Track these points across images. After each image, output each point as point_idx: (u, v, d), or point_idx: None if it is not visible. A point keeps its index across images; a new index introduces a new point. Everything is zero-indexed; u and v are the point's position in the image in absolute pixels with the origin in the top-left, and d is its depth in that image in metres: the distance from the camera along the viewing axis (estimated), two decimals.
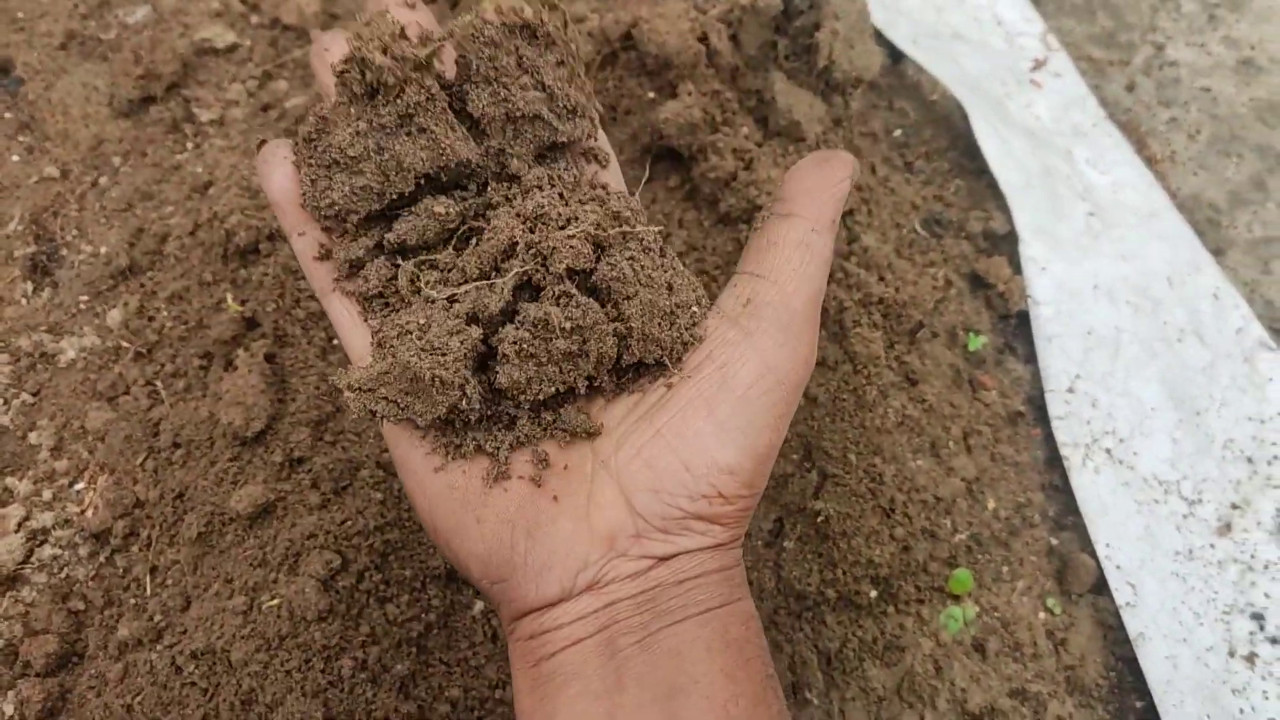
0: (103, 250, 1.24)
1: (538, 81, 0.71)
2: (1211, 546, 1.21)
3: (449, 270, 0.72)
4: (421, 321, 0.68)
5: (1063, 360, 1.28)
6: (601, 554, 0.68)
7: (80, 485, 1.13)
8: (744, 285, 0.74)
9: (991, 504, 1.19)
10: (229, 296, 1.17)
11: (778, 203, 0.75)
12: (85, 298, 1.21)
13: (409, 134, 0.69)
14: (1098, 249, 1.35)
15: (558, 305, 0.68)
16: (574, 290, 0.68)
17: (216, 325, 1.15)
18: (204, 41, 1.39)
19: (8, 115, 1.36)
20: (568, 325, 0.67)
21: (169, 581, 1.07)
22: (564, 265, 0.68)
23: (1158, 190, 1.43)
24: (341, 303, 0.75)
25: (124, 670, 1.02)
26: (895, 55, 1.44)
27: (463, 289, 0.69)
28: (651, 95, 1.27)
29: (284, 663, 0.99)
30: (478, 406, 0.69)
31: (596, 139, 0.79)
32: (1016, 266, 1.31)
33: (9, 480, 1.12)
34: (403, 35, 0.69)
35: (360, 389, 0.68)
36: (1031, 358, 1.29)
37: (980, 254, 1.33)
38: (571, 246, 0.68)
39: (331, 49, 0.75)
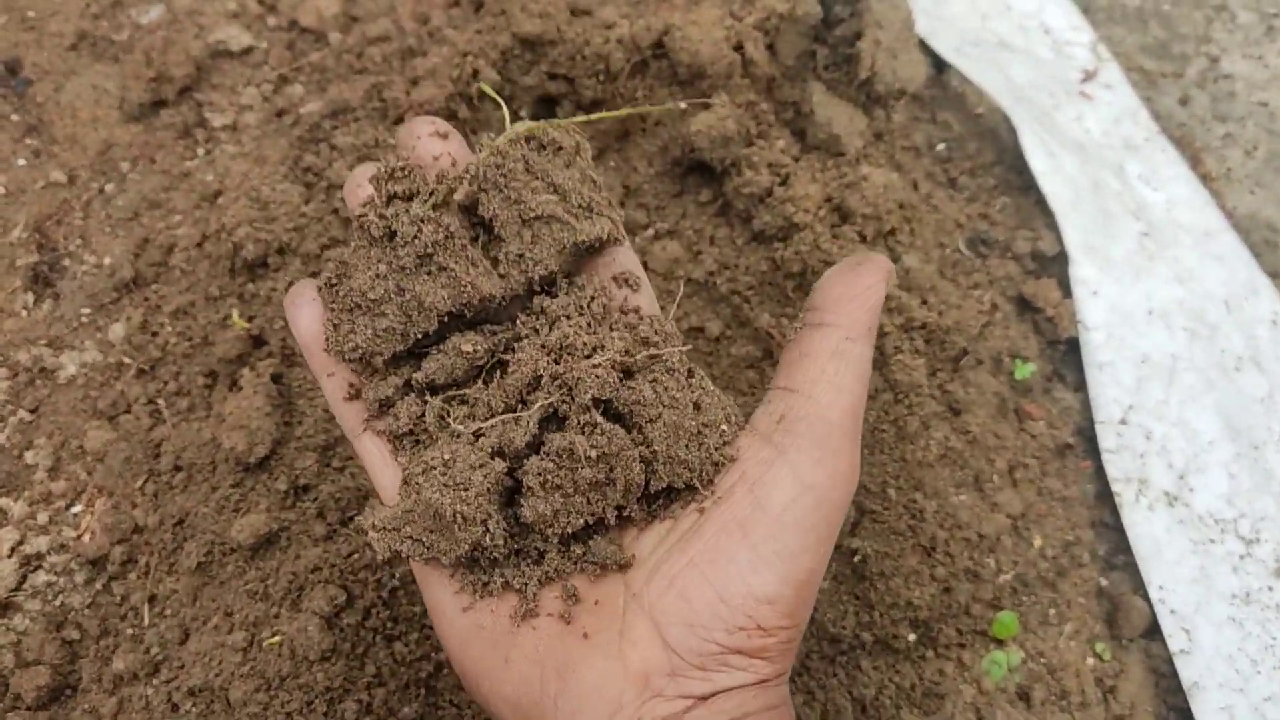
0: (106, 261, 1.19)
1: (548, 183, 0.70)
2: (1270, 589, 1.14)
3: (476, 405, 0.71)
4: (446, 457, 0.67)
5: (1115, 389, 1.21)
6: (636, 695, 0.64)
7: (78, 508, 1.08)
8: (777, 401, 0.71)
9: (1038, 542, 1.13)
10: (235, 312, 1.12)
11: (809, 312, 0.73)
12: (87, 310, 1.16)
13: (429, 273, 0.69)
14: (1152, 270, 1.28)
15: (583, 434, 0.66)
16: (599, 418, 0.67)
17: (222, 342, 1.10)
18: (218, 43, 1.34)
19: (15, 117, 1.32)
20: (593, 453, 0.66)
21: (167, 612, 1.02)
22: (589, 395, 0.66)
23: (1213, 208, 1.36)
24: (373, 442, 0.74)
25: (118, 705, 0.97)
26: (939, 65, 1.37)
27: (489, 423, 0.68)
28: (684, 105, 1.21)
29: (284, 704, 0.94)
30: (503, 542, 0.68)
31: (620, 242, 0.76)
32: (1066, 289, 1.24)
33: (4, 501, 1.08)
34: (420, 174, 0.71)
35: (385, 528, 0.67)
36: (1081, 386, 1.22)
37: (1028, 275, 1.26)
38: (597, 376, 0.67)
39: (363, 185, 0.74)
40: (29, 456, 1.10)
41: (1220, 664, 1.10)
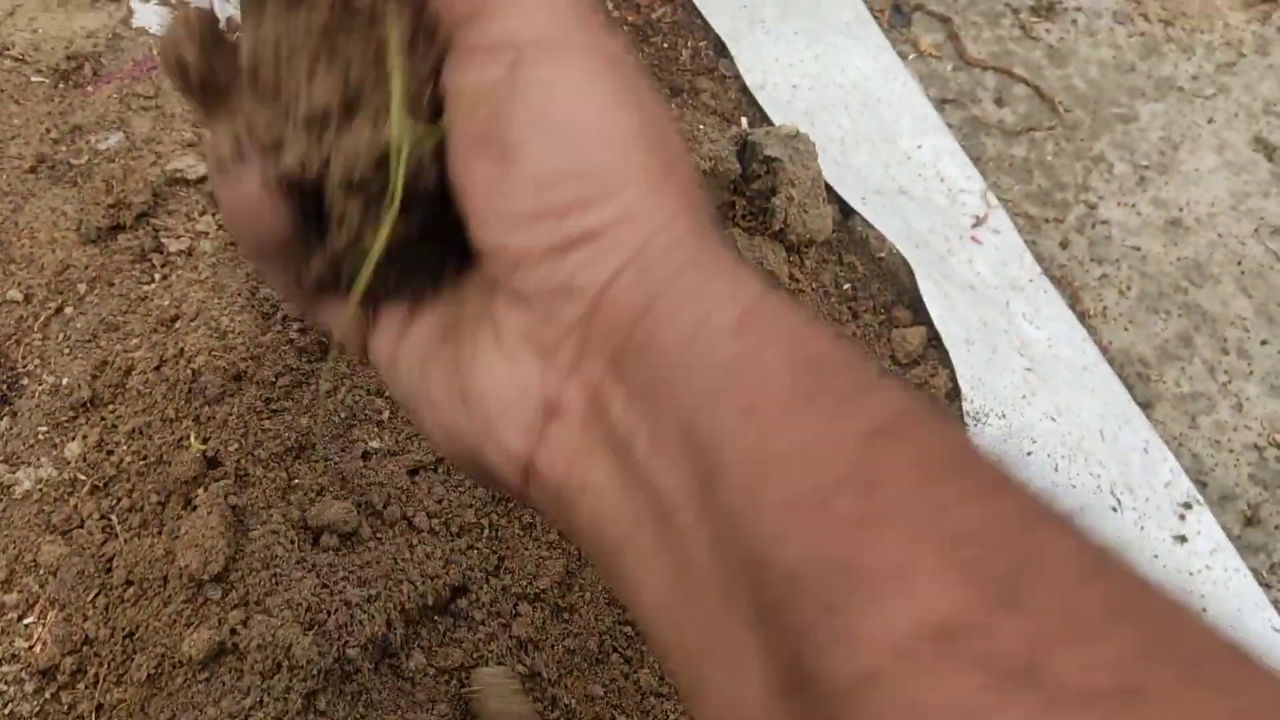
0: (65, 381, 1.24)
1: None
2: None
3: None
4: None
5: None
6: (530, 374, 0.49)
7: (30, 619, 1.12)
8: None
9: None
10: (192, 435, 1.18)
11: None
12: (44, 428, 1.22)
13: None
14: (1034, 403, 1.41)
15: None
16: None
17: (177, 463, 1.16)
18: (175, 171, 1.42)
19: None
20: None
21: None
22: None
23: (1090, 344, 1.50)
24: None
25: None
26: (846, 211, 1.50)
27: None
28: None
29: None
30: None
31: None
32: (959, 420, 1.36)
33: None
34: None
35: None
36: None
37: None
38: None
39: None
40: None
41: None
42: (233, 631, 1.08)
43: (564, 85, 0.48)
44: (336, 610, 1.09)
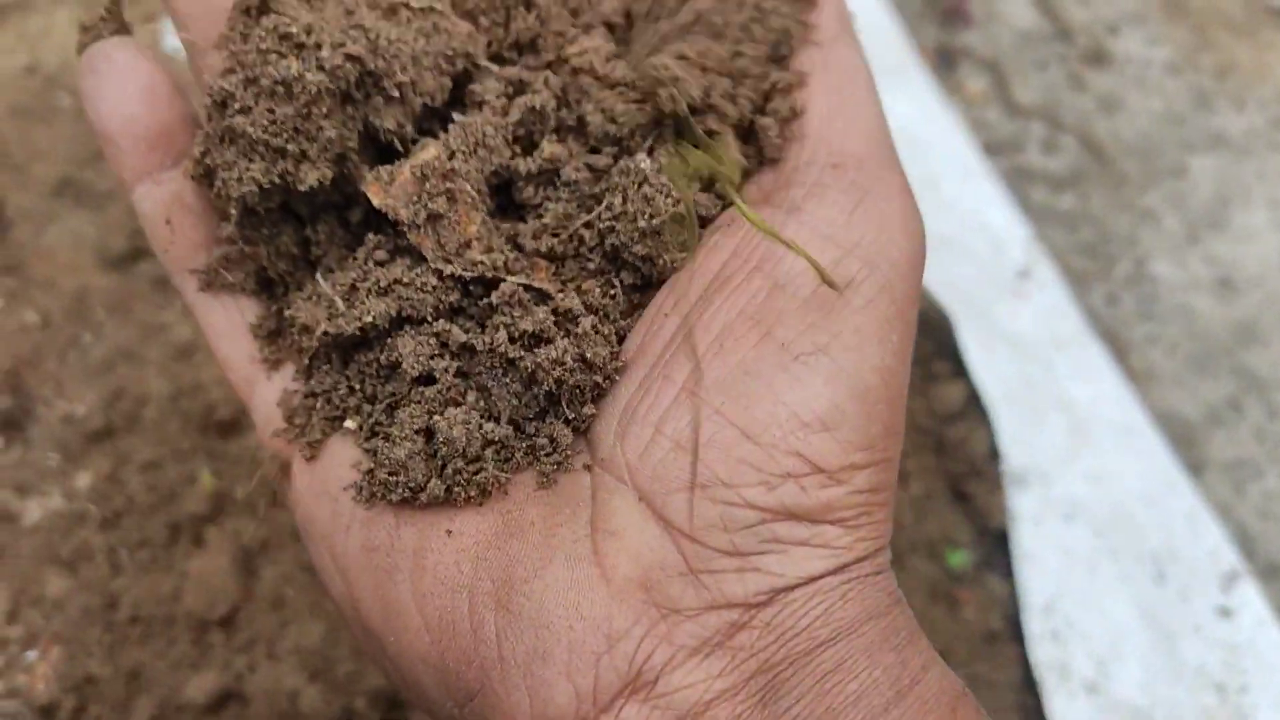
0: (79, 410, 1.22)
1: None
2: None
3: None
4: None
5: (1040, 579, 1.27)
6: (633, 616, 0.39)
7: (33, 654, 1.09)
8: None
9: None
10: (205, 471, 1.15)
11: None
12: (56, 458, 1.19)
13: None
14: (1076, 466, 1.36)
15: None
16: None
17: (189, 499, 1.13)
18: None
19: None
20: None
21: None
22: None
23: (1135, 405, 1.45)
24: (219, 304, 0.56)
25: None
26: None
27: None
28: None
29: None
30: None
31: None
32: (997, 481, 1.31)
33: None
34: None
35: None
36: (1010, 573, 1.28)
37: (961, 464, 1.34)
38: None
39: None
40: None
41: None
42: (238, 677, 1.04)
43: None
44: (345, 659, 1.05)
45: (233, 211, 0.52)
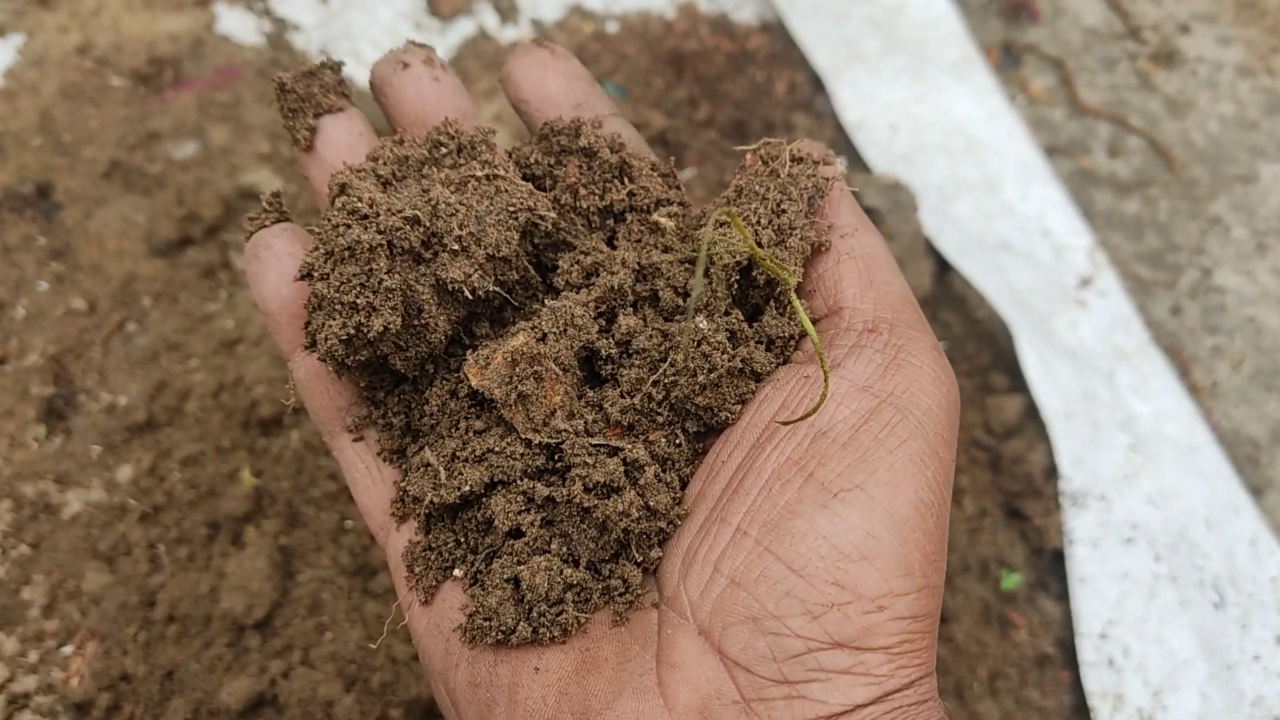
0: (122, 401, 1.20)
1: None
2: None
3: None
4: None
5: (1096, 603, 1.23)
6: None
7: (68, 650, 1.08)
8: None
9: None
10: (246, 469, 1.14)
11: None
12: (98, 449, 1.18)
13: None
14: (1137, 485, 1.31)
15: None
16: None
17: (229, 496, 1.11)
18: (249, 186, 1.38)
19: (41, 240, 1.34)
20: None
21: None
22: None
23: (1199, 422, 1.40)
24: (355, 450, 0.66)
25: None
26: (943, 265, 1.42)
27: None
28: None
29: None
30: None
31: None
32: (1054, 500, 1.27)
33: None
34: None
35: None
36: (1064, 597, 1.24)
37: (1018, 483, 1.30)
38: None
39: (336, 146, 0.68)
40: (25, 592, 1.10)
41: None
42: (273, 682, 1.03)
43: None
44: (381, 667, 1.04)
45: (329, 365, 0.62)
